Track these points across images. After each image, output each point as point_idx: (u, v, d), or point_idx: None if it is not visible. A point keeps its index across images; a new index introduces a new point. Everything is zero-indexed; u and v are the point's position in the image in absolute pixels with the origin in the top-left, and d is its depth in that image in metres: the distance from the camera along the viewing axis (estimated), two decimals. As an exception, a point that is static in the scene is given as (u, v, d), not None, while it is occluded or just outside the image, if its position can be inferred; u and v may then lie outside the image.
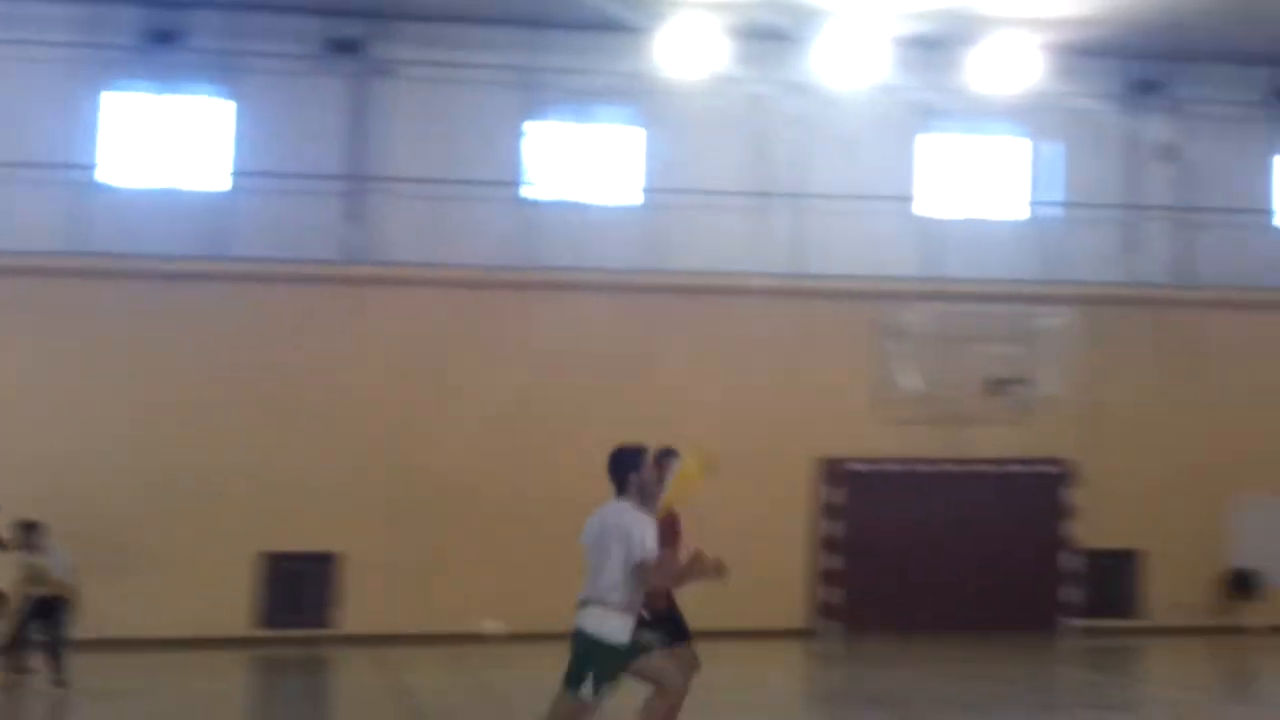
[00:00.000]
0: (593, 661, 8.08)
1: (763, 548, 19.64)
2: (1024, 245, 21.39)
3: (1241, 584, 20.72)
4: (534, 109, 20.47)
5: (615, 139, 20.86)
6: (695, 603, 19.49)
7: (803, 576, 20.25)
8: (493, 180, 20.03)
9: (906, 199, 21.17)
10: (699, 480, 9.91)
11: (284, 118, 19.79)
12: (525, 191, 20.45)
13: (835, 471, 20.27)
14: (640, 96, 20.57)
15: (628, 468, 8.40)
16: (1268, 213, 22.08)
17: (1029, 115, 21.26)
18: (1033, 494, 20.58)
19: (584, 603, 8.24)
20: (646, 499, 8.50)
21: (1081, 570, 20.55)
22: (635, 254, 20.21)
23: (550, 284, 19.84)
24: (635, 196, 20.76)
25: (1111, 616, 20.56)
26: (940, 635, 19.14)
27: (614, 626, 8.16)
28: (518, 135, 20.45)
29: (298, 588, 18.88)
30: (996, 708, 14.15)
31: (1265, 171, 22.16)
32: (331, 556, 19.03)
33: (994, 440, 20.38)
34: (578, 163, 20.77)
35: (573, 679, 8.12)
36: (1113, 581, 20.75)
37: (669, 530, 9.54)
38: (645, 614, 8.82)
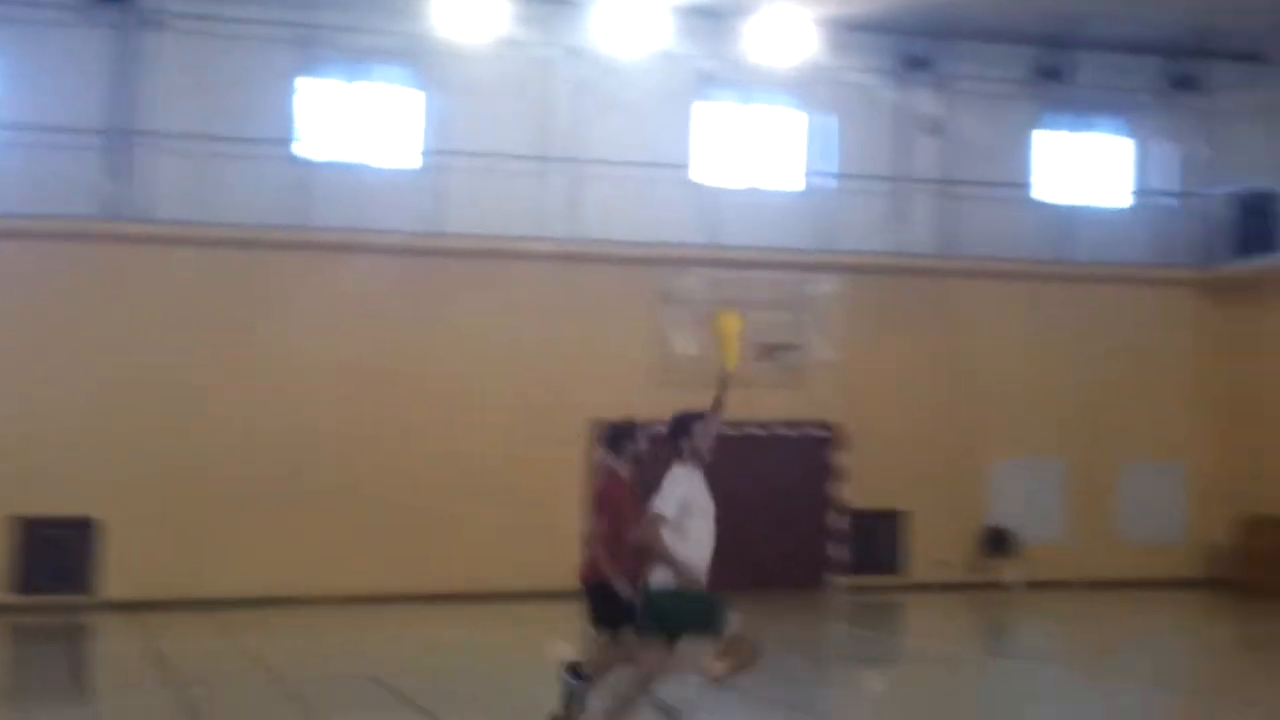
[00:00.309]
0: (663, 610, 8.89)
1: (542, 510, 19.80)
2: (797, 214, 21.87)
3: (998, 542, 21.63)
4: (309, 66, 20.10)
5: (393, 100, 20.61)
6: (481, 566, 19.70)
7: (577, 538, 20.38)
8: (264, 138, 19.61)
9: (684, 167, 21.45)
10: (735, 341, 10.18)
11: (47, 69, 19.02)
12: (299, 150, 20.07)
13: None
14: (419, 58, 20.37)
15: (680, 433, 9.09)
16: (1027, 186, 23.01)
17: (803, 87, 21.72)
18: (802, 456, 21.12)
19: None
20: (700, 461, 9.08)
21: (848, 530, 21.22)
22: (414, 217, 20.02)
23: (324, 245, 19.53)
24: (414, 159, 20.57)
25: (877, 574, 21.27)
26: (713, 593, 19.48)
27: (663, 577, 8.89)
28: (291, 92, 20.07)
29: (56, 553, 18.26)
30: (771, 661, 14.44)
31: (1025, 146, 23.08)
32: (92, 521, 18.44)
33: (766, 404, 20.79)
34: (354, 123, 20.46)
35: (669, 628, 8.90)
36: (878, 540, 21.46)
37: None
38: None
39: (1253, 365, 22.81)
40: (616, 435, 10.39)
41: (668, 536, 8.78)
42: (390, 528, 19.42)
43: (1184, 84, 23.27)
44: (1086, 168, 23.53)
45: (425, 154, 20.46)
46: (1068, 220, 22.85)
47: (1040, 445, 22.01)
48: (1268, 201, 22.42)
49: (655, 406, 20.25)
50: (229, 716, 11.21)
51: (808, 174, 22.18)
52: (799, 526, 20.97)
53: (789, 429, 21.09)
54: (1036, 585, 20.91)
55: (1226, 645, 17.64)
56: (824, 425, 21.22)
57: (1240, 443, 22.49)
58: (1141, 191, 23.66)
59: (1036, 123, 23.10)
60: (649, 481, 9.59)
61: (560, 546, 20.12)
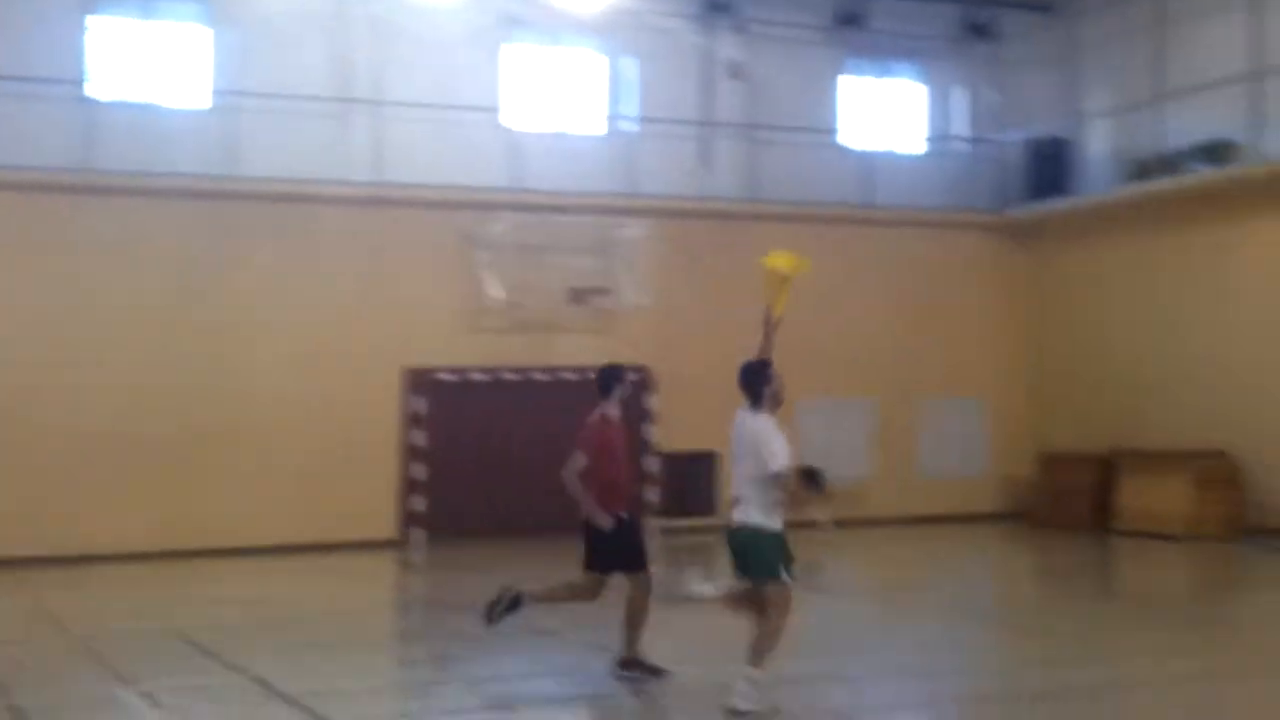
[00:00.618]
0: (761, 549, 8.92)
1: (353, 460, 19.45)
2: (604, 159, 21.74)
3: (809, 481, 21.88)
4: (98, 3, 19.18)
5: (184, 38, 19.80)
6: (286, 519, 19.20)
7: (393, 487, 20.07)
8: (54, 78, 18.65)
9: (492, 110, 21.11)
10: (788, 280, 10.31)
11: None
12: (88, 91, 19.14)
13: (422, 381, 20.12)
14: (210, -7, 19.68)
15: (761, 381, 9.21)
16: (832, 131, 23.27)
17: (607, 30, 21.55)
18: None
19: (736, 500, 9.07)
20: (775, 408, 9.25)
21: (660, 472, 21.28)
22: (208, 159, 19.30)
23: (114, 188, 18.71)
24: (205, 100, 19.82)
25: (691, 515, 21.38)
26: (527, 539, 19.36)
27: (762, 519, 8.92)
28: (80, 31, 19.12)
29: None
30: (580, 605, 14.38)
31: (830, 92, 23.33)
32: None
33: (578, 348, 20.71)
34: (144, 62, 19.60)
35: (755, 569, 8.97)
36: (690, 482, 21.58)
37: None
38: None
39: (1048, 304, 23.58)
40: (607, 377, 10.40)
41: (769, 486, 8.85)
42: (197, 481, 18.80)
43: (977, 31, 23.79)
44: (887, 114, 23.91)
45: (217, 94, 19.71)
46: (870, 165, 23.18)
47: (847, 385, 22.37)
48: (1058, 147, 23.11)
49: (468, 353, 20.31)
50: (32, 679, 10.65)
51: (612, 118, 22.05)
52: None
53: (601, 373, 21.01)
54: (845, 523, 21.25)
55: (1024, 576, 18.21)
56: (636, 368, 21.19)
57: (1037, 379, 23.27)
58: (938, 137, 24.15)
59: (839, 69, 23.37)
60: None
61: (374, 496, 19.84)
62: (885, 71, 23.89)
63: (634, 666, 10.21)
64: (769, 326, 9.98)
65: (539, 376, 20.69)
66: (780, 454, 8.89)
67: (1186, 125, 20.93)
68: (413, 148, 20.16)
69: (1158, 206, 21.25)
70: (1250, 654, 11.30)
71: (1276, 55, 19.48)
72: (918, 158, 24.10)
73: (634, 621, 10.20)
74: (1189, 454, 19.87)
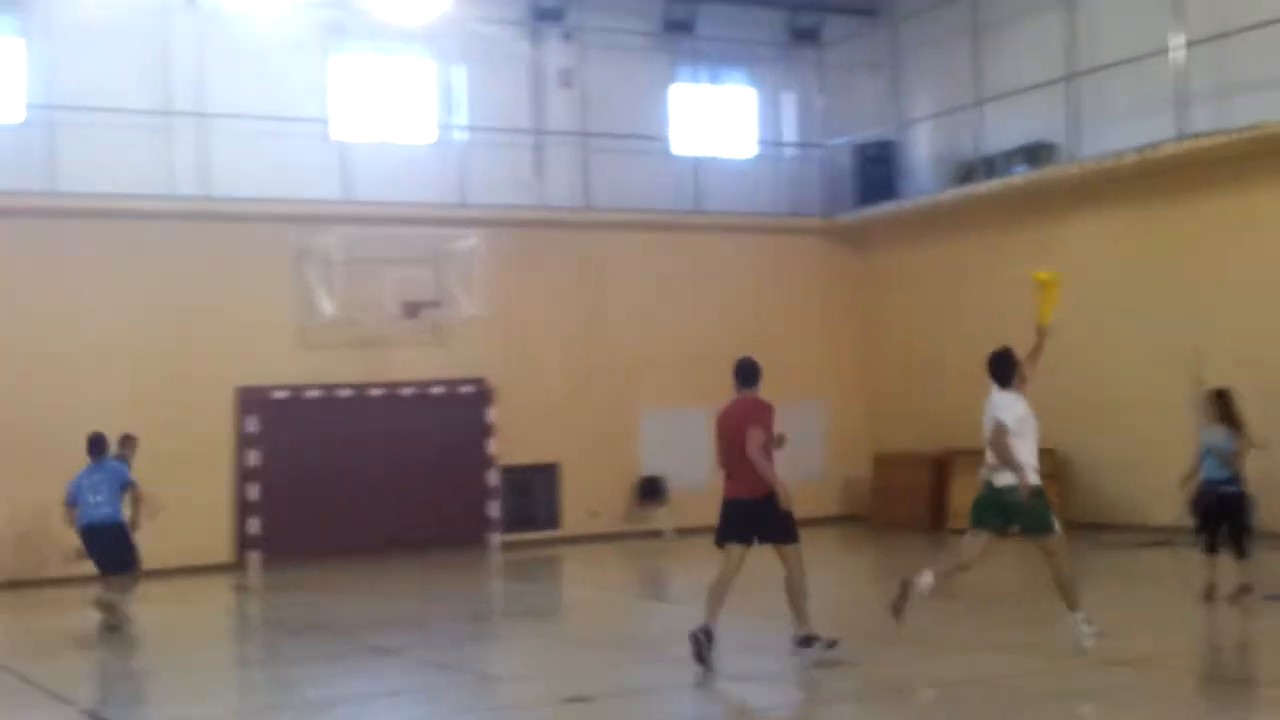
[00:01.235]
0: (1023, 505, 10.28)
1: (188, 482, 18.83)
2: (434, 168, 21.51)
3: (650, 491, 21.98)
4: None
5: (-6, 50, 19.13)
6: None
7: (228, 509, 19.59)
8: None
9: (320, 120, 20.75)
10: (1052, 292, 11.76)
11: None
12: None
13: (254, 400, 19.68)
14: (19, 3, 18.96)
15: (1011, 368, 10.86)
16: (663, 138, 23.36)
17: (437, 38, 21.34)
18: (454, 414, 20.87)
19: (993, 468, 10.47)
20: (1023, 387, 10.85)
21: (501, 486, 21.12)
22: (26, 175, 18.63)
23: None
24: (19, 113, 19.13)
25: (533, 529, 21.27)
26: (368, 559, 19.10)
27: (1010, 480, 10.34)
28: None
29: None
30: (426, 622, 14.22)
31: (661, 99, 23.42)
32: None
33: (414, 362, 20.49)
34: (-47, 75, 18.88)
35: (1033, 524, 10.40)
36: (532, 495, 21.48)
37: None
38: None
39: (880, 307, 23.98)
40: (747, 371, 11.43)
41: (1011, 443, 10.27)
42: (16, 507, 18.08)
43: (804, 37, 24.13)
44: (717, 119, 24.09)
45: (31, 107, 19.04)
46: (702, 171, 23.31)
47: (685, 393, 22.41)
48: (885, 150, 23.52)
49: (301, 370, 19.91)
50: None
51: (442, 127, 21.84)
52: (455, 485, 20.72)
53: (441, 386, 20.79)
54: (687, 531, 21.33)
55: (860, 578, 18.43)
56: (473, 381, 21.03)
57: (873, 382, 23.62)
58: (768, 142, 24.41)
59: (670, 75, 23.46)
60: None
61: (209, 519, 19.31)
62: (715, 77, 24.08)
63: (810, 641, 10.67)
64: (1040, 335, 11.52)
65: (374, 392, 20.39)
66: (1008, 413, 10.45)
67: (1006, 128, 21.47)
68: (239, 160, 19.73)
69: (981, 208, 21.74)
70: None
71: (1090, 57, 20.08)
72: (748, 163, 24.31)
73: (797, 596, 10.86)
74: (1019, 450, 20.30)
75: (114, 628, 13.60)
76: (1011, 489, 10.33)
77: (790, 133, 24.57)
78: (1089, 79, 19.96)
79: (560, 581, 19.28)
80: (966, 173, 22.12)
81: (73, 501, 14.17)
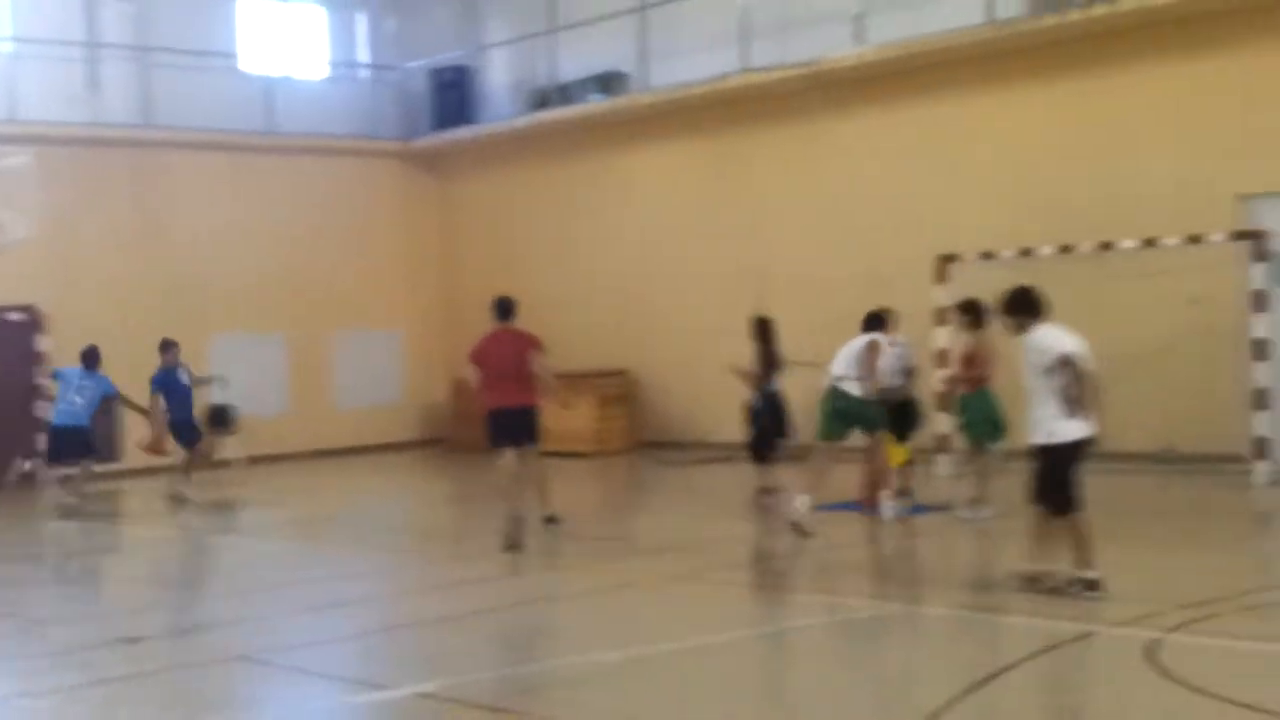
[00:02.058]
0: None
1: None
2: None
3: (219, 419, 21.17)
4: None
5: None
6: None
7: None
8: None
9: None
10: None
11: None
12: None
13: None
14: None
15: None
16: (231, 55, 22.35)
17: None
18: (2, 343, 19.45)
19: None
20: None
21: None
22: None
23: None
24: None
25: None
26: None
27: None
28: None
29: None
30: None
31: (228, 15, 22.39)
32: None
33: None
34: None
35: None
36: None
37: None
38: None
39: (459, 233, 23.89)
40: (507, 307, 13.68)
41: None
42: None
43: (380, -45, 23.58)
44: (288, 38, 23.25)
45: None
46: (274, 92, 22.45)
47: (259, 319, 21.74)
48: (461, 75, 23.33)
49: None
50: None
51: (-13, 37, 20.14)
52: (2, 419, 19.34)
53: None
54: (261, 459, 20.73)
55: (439, 501, 18.39)
56: (22, 309, 19.62)
57: (451, 308, 23.49)
58: (341, 64, 23.77)
59: (238, -8, 22.48)
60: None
61: None
62: (285, -6, 23.24)
63: (554, 520, 12.96)
64: None
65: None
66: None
67: (580, 56, 21.69)
68: None
69: (556, 135, 21.94)
70: (661, 566, 11.90)
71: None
72: (322, 84, 23.62)
73: (546, 486, 13.11)
74: (595, 374, 20.74)
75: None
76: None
77: (364, 54, 24.01)
78: (659, 11, 20.35)
79: (119, 519, 18.29)
80: (542, 99, 22.24)
81: None
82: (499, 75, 23.38)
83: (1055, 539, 9.33)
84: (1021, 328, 9.40)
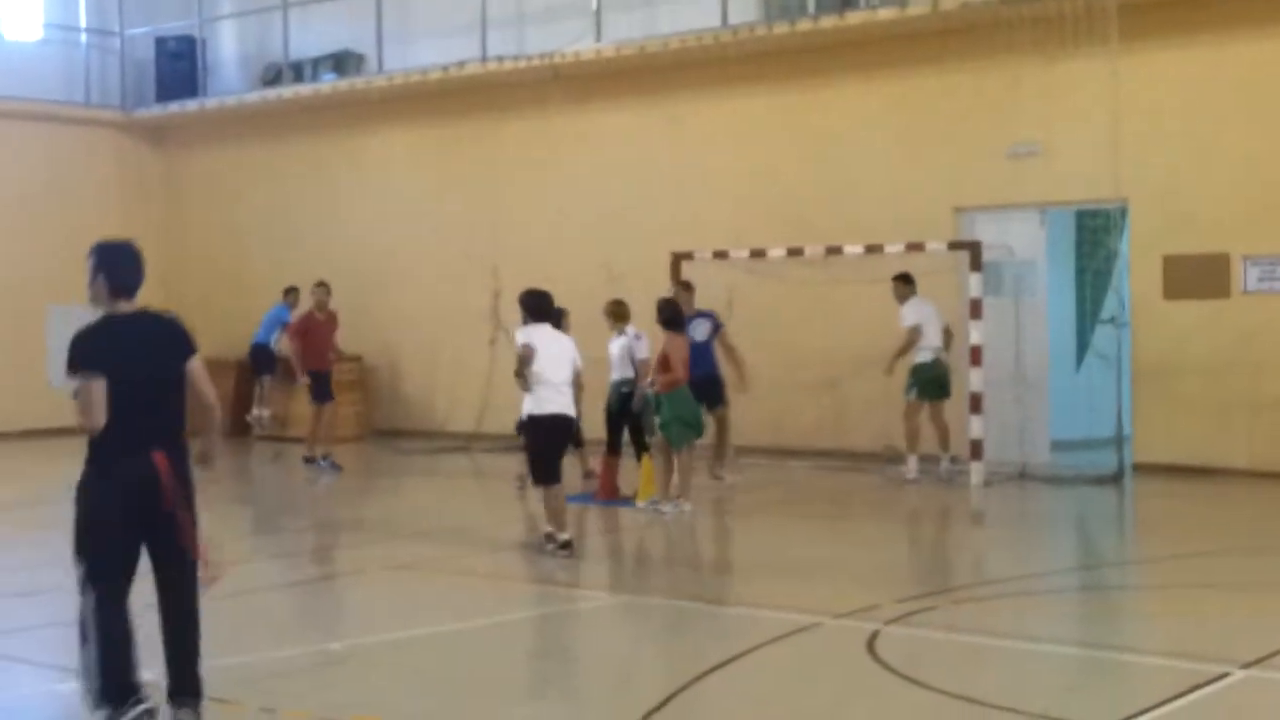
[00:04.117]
0: None
1: None
2: None
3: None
4: None
5: None
6: None
7: None
8: None
9: None
10: None
11: None
12: None
13: None
14: None
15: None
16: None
17: None
18: None
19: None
20: None
21: None
22: None
23: None
24: None
25: None
26: None
27: None
28: None
29: None
30: None
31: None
32: None
33: None
34: None
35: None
36: None
37: None
38: None
39: (182, 208, 23.06)
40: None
41: None
42: None
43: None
44: (1, -5, 22.00)
45: None
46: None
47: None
48: (189, 46, 22.47)
49: None
50: None
51: None
52: None
53: None
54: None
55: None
56: None
57: (173, 285, 22.34)
58: (55, 25, 22.59)
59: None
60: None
61: None
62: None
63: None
64: None
65: None
66: None
67: (315, 34, 21.20)
68: None
69: (289, 113, 21.38)
70: (393, 553, 11.70)
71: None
72: (35, 46, 22.39)
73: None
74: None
75: None
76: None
77: (83, 18, 22.86)
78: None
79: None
80: (275, 75, 21.62)
81: None
82: (229, 48, 22.61)
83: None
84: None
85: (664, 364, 12.79)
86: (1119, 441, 14.96)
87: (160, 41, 22.53)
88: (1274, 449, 14.40)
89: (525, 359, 10.71)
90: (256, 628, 8.83)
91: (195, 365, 6.66)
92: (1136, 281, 15.36)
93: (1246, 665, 7.34)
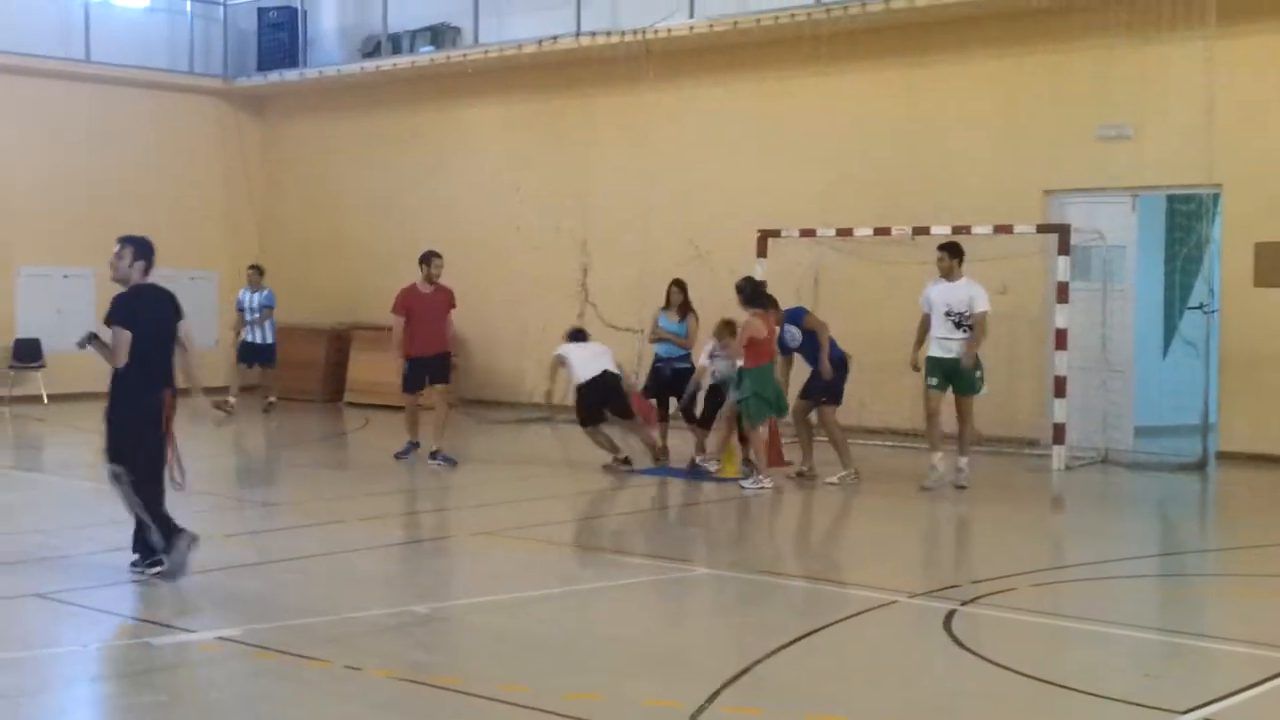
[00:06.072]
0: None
1: None
2: None
3: (27, 354, 20.59)
4: None
5: None
6: None
7: None
8: None
9: None
10: None
11: None
12: None
13: None
14: None
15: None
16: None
17: None
18: None
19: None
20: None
21: None
22: None
23: None
24: None
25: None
26: None
27: None
28: None
29: None
30: None
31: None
32: None
33: None
34: None
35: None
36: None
37: None
38: None
39: (280, 177, 23.49)
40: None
41: None
42: None
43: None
44: (110, -36, 22.48)
45: None
46: (86, 17, 21.66)
47: (69, 253, 21.04)
48: (290, 16, 22.85)
49: None
50: None
51: None
52: None
53: None
54: (64, 397, 20.15)
55: (257, 449, 18.10)
56: None
57: (270, 253, 22.91)
58: (160, -6, 23.12)
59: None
60: None
61: None
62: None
63: (437, 455, 14.53)
64: None
65: None
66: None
67: (413, 6, 21.47)
68: None
69: (386, 85, 21.69)
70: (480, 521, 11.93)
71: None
72: (143, 14, 22.88)
73: (443, 424, 14.61)
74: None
75: None
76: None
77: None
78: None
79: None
80: (373, 47, 21.94)
81: None
82: (329, 19, 22.98)
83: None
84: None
85: (749, 342, 12.92)
86: (1204, 429, 14.87)
87: (262, 12, 22.94)
88: (1362, 440, 14.25)
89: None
90: (346, 588, 9.11)
91: (186, 325, 9.15)
92: (1227, 268, 15.22)
93: (1325, 655, 7.34)
